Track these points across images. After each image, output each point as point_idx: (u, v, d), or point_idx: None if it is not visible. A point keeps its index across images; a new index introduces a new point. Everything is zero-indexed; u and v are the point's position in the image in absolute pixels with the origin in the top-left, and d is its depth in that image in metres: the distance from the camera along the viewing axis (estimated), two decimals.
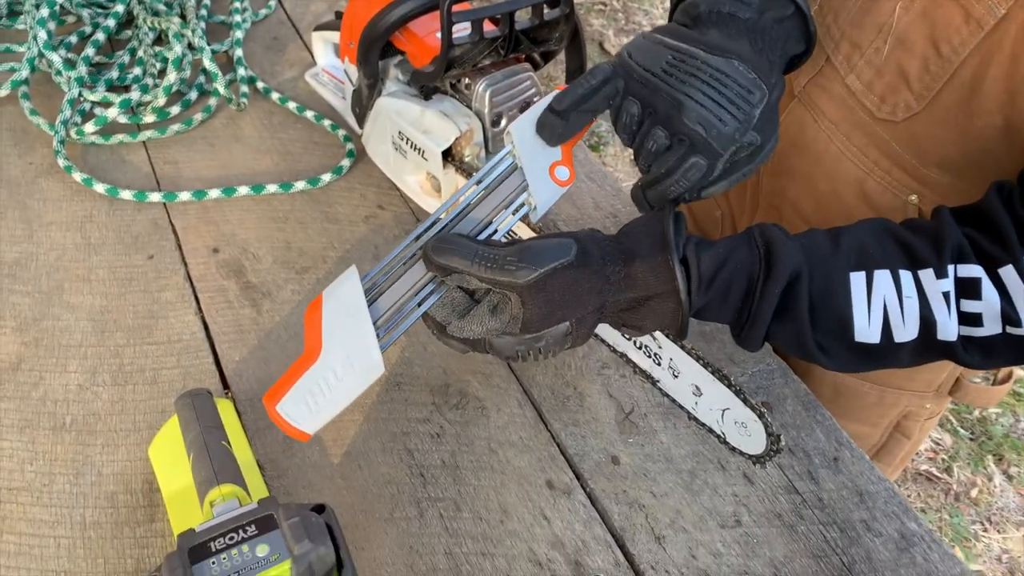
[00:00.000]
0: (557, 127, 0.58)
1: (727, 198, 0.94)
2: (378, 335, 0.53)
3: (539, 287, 0.52)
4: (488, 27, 0.75)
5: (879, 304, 0.53)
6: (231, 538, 0.45)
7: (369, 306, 0.53)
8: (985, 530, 1.63)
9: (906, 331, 0.53)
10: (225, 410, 0.66)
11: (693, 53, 0.55)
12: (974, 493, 1.69)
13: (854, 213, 0.74)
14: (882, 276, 0.53)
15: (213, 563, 0.44)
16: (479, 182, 0.59)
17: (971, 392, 0.84)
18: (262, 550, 0.45)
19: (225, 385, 0.72)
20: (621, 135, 0.59)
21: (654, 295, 0.54)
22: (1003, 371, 0.84)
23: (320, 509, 0.49)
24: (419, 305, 0.56)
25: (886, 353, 0.55)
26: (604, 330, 0.69)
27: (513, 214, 0.59)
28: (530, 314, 0.53)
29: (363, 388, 0.52)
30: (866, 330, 0.54)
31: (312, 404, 0.49)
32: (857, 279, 0.54)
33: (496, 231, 0.59)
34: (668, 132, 0.55)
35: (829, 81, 0.71)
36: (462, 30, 0.74)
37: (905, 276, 0.53)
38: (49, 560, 0.60)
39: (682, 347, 0.62)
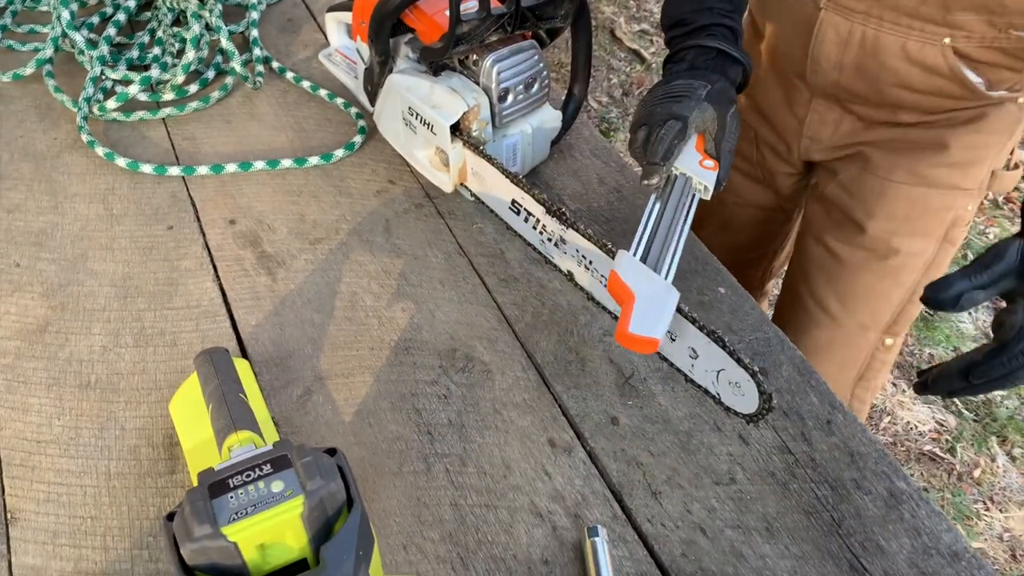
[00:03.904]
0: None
1: (773, 110, 1.07)
2: (656, 270, 0.68)
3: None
4: (495, 4, 0.77)
5: None
6: (248, 475, 0.48)
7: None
8: (987, 509, 1.65)
9: None
10: (242, 369, 0.69)
11: (658, 85, 0.78)
12: (977, 473, 1.71)
13: (903, 75, 0.90)
14: None
15: (231, 497, 0.47)
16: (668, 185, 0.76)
17: (996, 179, 1.00)
18: (277, 486, 0.47)
19: (242, 348, 0.76)
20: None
21: None
22: (1016, 157, 1.02)
23: (332, 452, 0.52)
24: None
25: None
26: (608, 299, 0.72)
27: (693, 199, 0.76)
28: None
29: (673, 306, 0.64)
30: None
31: (649, 318, 0.63)
32: None
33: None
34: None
35: None
36: (470, 7, 0.76)
37: None
38: (76, 507, 0.64)
39: (680, 312, 0.64)
